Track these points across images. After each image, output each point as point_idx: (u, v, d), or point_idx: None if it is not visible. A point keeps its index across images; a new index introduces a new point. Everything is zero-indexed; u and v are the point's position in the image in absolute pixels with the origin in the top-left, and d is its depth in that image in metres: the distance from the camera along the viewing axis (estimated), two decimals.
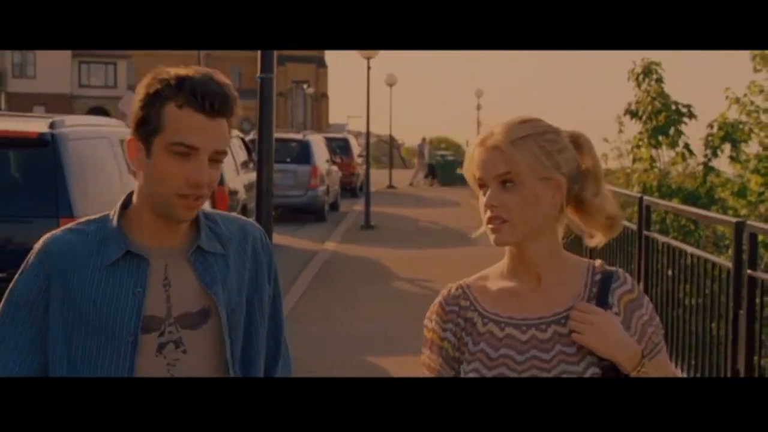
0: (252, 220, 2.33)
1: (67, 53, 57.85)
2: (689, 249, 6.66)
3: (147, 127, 2.07)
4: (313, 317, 9.64)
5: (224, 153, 2.09)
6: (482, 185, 2.10)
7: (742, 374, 5.47)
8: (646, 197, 7.90)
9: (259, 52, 6.03)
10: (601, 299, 2.11)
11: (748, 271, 5.44)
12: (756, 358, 5.42)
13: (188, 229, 2.19)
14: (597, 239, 2.15)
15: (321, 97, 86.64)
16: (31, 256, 2.15)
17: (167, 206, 2.09)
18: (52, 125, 6.39)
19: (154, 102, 2.07)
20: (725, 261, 5.85)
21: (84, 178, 6.37)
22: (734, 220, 5.72)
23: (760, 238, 10.92)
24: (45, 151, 6.20)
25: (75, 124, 6.85)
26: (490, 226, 2.08)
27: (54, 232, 2.16)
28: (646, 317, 2.14)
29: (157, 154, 2.07)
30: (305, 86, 66.24)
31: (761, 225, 6.15)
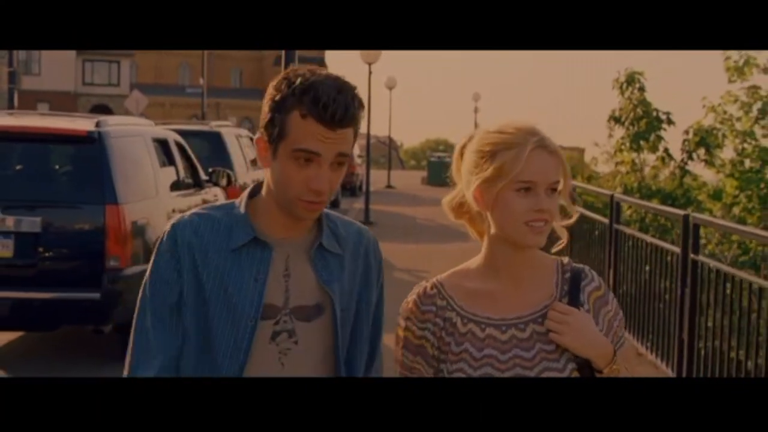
0: (364, 226, 2.38)
1: (72, 51, 58.48)
2: (648, 238, 7.69)
3: (273, 131, 2.10)
4: None
5: (347, 155, 2.12)
6: (527, 188, 2.10)
7: (686, 342, 6.47)
8: (616, 195, 8.89)
9: (283, 57, 6.81)
10: (573, 297, 2.18)
11: (692, 256, 6.46)
12: (699, 324, 6.42)
13: (312, 226, 2.23)
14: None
15: None
16: (162, 239, 2.19)
17: (290, 206, 2.13)
18: (98, 124, 7.35)
19: (280, 107, 2.09)
20: (675, 248, 6.85)
21: (125, 170, 7.31)
22: (681, 212, 6.74)
23: (745, 238, 11.90)
24: (92, 146, 7.13)
25: (117, 124, 7.83)
26: (531, 227, 2.10)
27: (182, 215, 2.20)
28: (611, 313, 2.21)
29: (282, 158, 2.10)
30: None
31: (703, 217, 7.17)
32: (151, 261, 2.19)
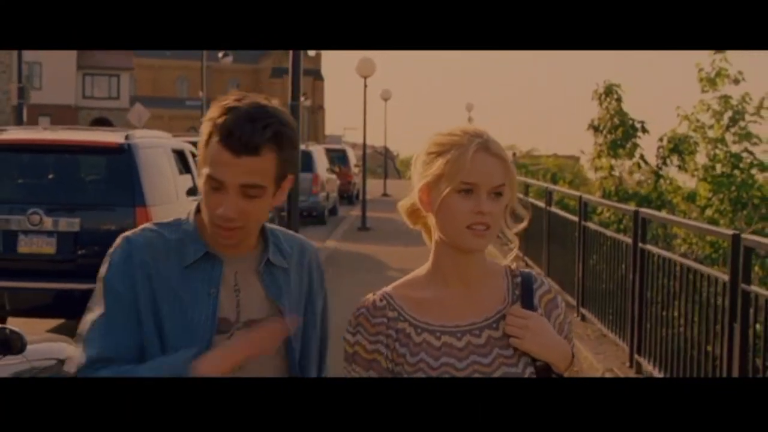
0: (305, 237, 2.44)
1: (73, 65, 58.91)
2: (608, 232, 8.79)
3: (201, 155, 2.15)
4: None
5: (256, 187, 2.10)
6: (468, 189, 2.07)
7: (636, 320, 7.54)
8: (584, 195, 9.99)
9: (290, 79, 7.82)
10: (526, 302, 2.16)
11: (640, 245, 7.55)
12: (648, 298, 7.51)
13: (257, 242, 2.26)
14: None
15: (317, 110, 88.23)
16: (116, 251, 2.20)
17: (211, 230, 2.18)
18: (127, 137, 8.41)
19: (209, 131, 2.13)
20: (628, 239, 7.94)
21: (151, 177, 8.35)
22: (632, 209, 7.84)
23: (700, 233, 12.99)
24: (123, 156, 8.21)
25: (143, 136, 8.92)
26: (472, 230, 2.08)
27: (134, 230, 2.24)
28: (562, 316, 2.20)
29: (202, 182, 2.15)
30: (302, 98, 67.98)
31: (651, 212, 8.29)
32: (103, 272, 2.20)
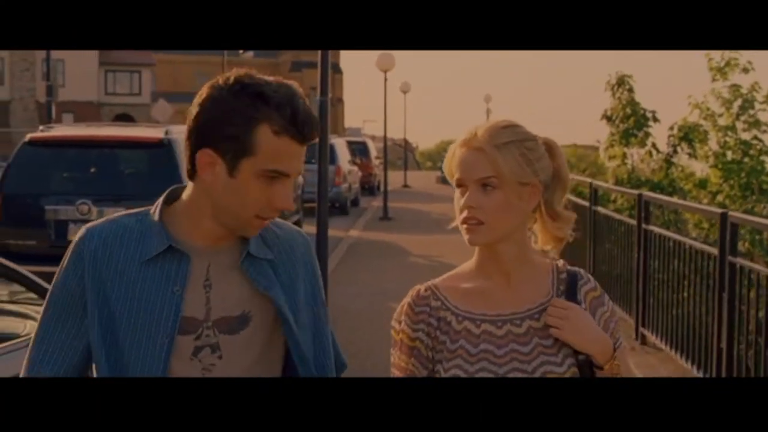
0: (300, 229, 2.26)
1: (95, 62, 59.57)
2: (615, 216, 9.40)
3: (234, 146, 1.93)
4: (347, 280, 12.36)
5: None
6: (461, 185, 2.12)
7: (641, 294, 8.13)
8: (594, 182, 10.59)
9: (318, 76, 8.28)
10: (570, 296, 2.17)
11: (644, 226, 8.16)
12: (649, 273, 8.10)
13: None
14: (549, 246, 2.21)
15: (337, 102, 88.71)
16: (69, 250, 2.06)
17: (242, 224, 2.00)
18: (167, 132, 9.09)
19: (244, 121, 1.93)
20: (633, 221, 8.55)
21: None
22: (636, 192, 8.44)
23: (696, 216, 13.57)
24: (164, 150, 8.89)
25: (181, 132, 9.56)
26: (465, 226, 2.11)
27: (94, 223, 2.10)
28: (608, 314, 2.20)
29: (245, 176, 1.95)
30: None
31: (653, 195, 8.90)
32: (61, 262, 2.08)
